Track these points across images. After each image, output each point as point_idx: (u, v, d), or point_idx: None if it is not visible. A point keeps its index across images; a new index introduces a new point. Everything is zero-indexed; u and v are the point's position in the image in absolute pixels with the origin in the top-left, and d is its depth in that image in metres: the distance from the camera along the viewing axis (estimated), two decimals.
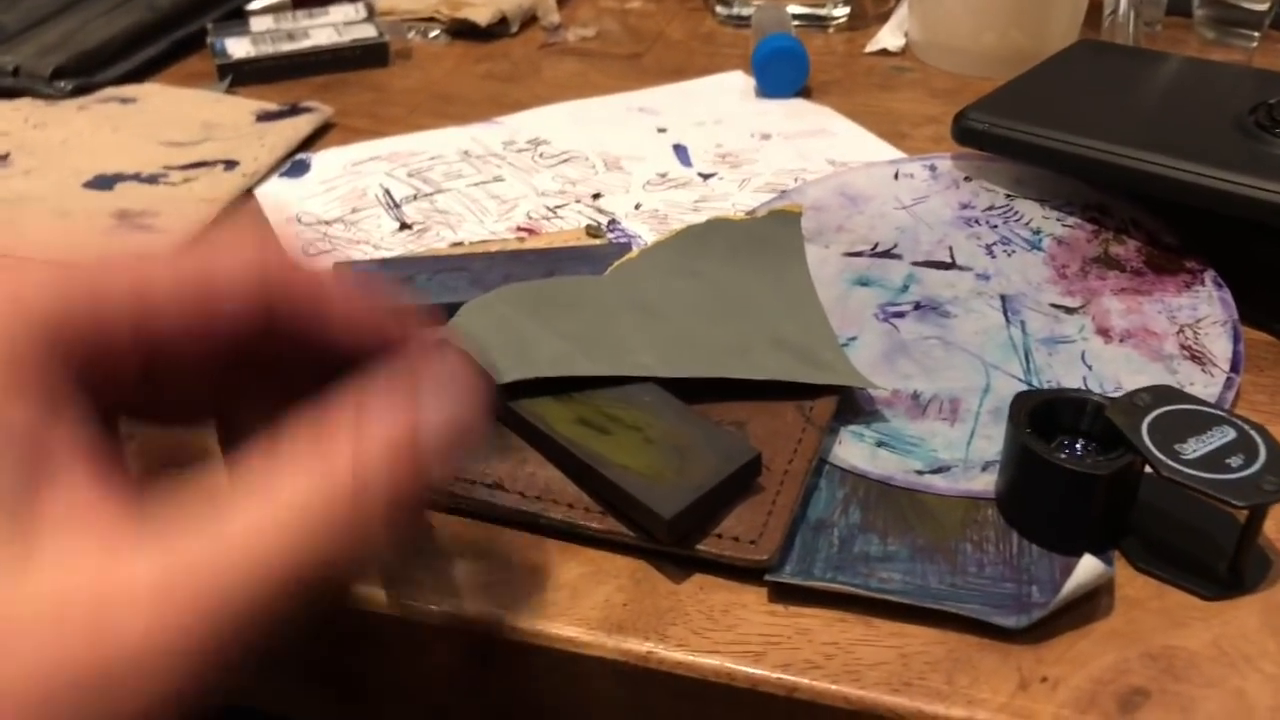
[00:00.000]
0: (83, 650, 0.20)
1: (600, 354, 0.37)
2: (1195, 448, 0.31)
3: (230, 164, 0.51)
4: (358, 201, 0.50)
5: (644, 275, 0.41)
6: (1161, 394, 0.33)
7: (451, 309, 0.39)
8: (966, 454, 0.35)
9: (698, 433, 0.34)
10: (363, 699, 0.34)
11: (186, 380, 0.26)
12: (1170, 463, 0.30)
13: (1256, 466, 0.30)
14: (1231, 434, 0.31)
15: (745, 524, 0.32)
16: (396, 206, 0.50)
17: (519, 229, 0.48)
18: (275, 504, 0.22)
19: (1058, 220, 0.44)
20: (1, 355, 0.22)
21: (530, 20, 0.70)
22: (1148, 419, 0.32)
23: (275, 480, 0.22)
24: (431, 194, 0.51)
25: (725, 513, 0.33)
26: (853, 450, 0.36)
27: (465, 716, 0.33)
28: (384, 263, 0.43)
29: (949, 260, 0.43)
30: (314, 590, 0.22)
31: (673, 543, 0.32)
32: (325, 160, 0.54)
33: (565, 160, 0.53)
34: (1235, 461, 0.30)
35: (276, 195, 0.51)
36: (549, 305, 0.39)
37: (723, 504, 0.33)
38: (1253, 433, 0.31)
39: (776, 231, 0.43)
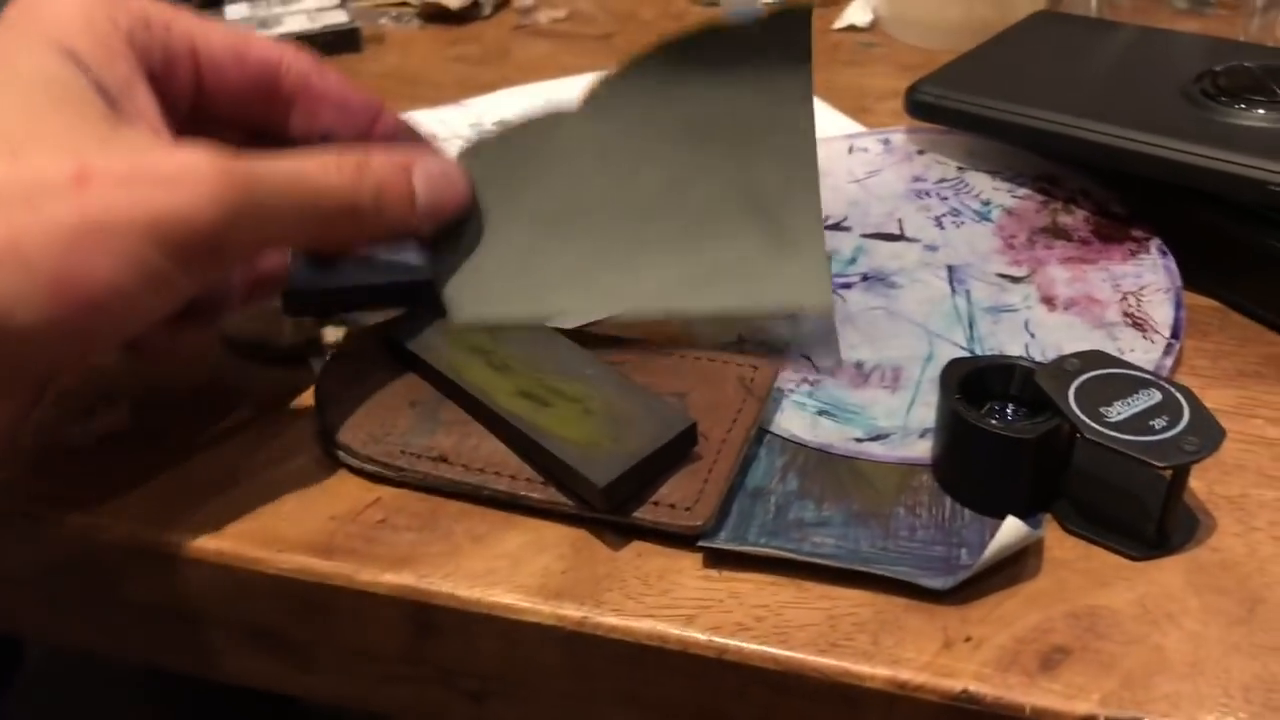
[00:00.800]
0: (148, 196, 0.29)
1: (549, 295, 0.38)
2: (1120, 411, 0.31)
3: None
4: None
5: (622, 111, 0.38)
6: (1090, 359, 0.33)
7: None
8: (906, 421, 0.36)
9: (636, 404, 0.35)
10: (312, 669, 0.35)
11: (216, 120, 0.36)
12: (1094, 425, 0.31)
13: (1179, 428, 0.31)
14: (1157, 397, 0.32)
15: (681, 491, 0.33)
16: None
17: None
18: (292, 160, 0.32)
19: (1008, 192, 0.45)
20: (103, 32, 0.32)
21: (503, 3, 0.70)
22: (1075, 383, 0.32)
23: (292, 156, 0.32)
24: None
25: (662, 481, 0.33)
26: (794, 419, 0.36)
27: (409, 685, 0.34)
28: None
29: (898, 232, 0.43)
30: (300, 232, 0.33)
31: (609, 510, 0.33)
32: None
33: None
34: (1159, 423, 0.31)
35: None
36: (517, 176, 0.38)
37: (659, 472, 0.33)
38: (1178, 395, 0.32)
39: (779, 49, 0.38)
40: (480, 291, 0.38)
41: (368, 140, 0.38)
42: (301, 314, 0.39)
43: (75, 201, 0.28)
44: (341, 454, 0.35)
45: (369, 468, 0.35)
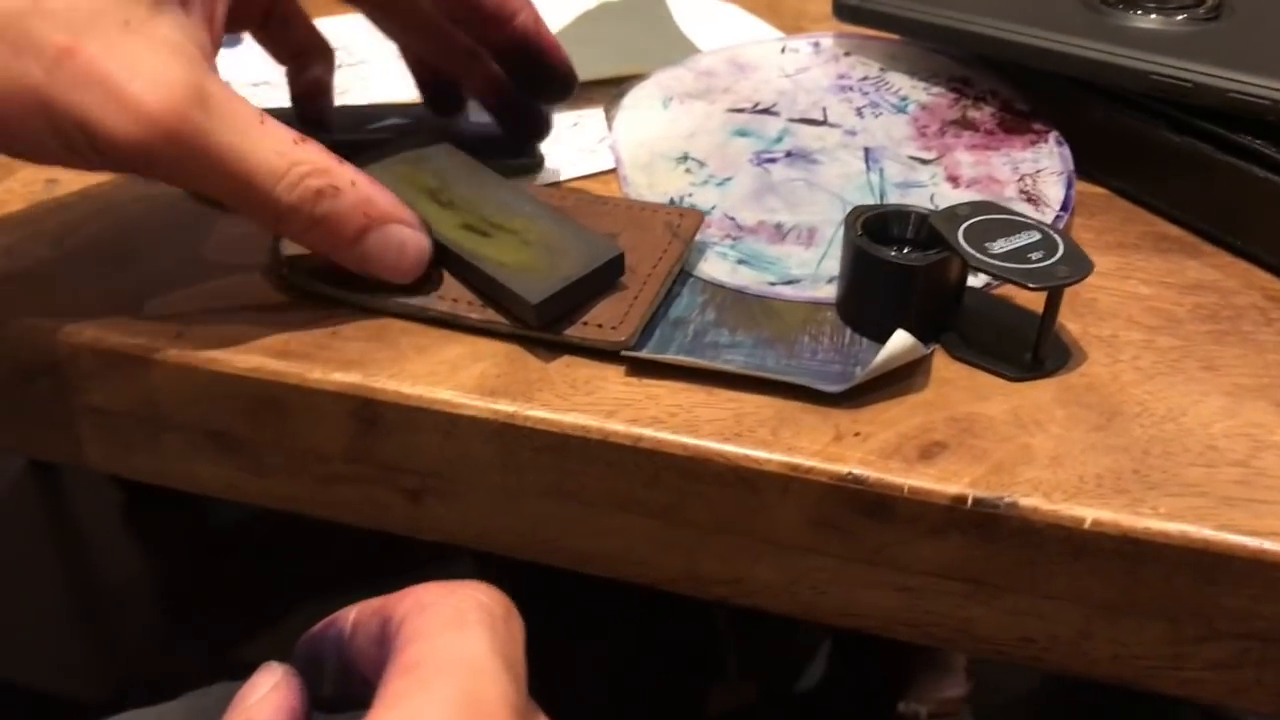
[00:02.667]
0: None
1: None
2: (1002, 245, 0.35)
3: None
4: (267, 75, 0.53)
5: None
6: (980, 206, 0.37)
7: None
8: (816, 270, 0.40)
9: (570, 236, 0.38)
10: (262, 471, 0.38)
11: None
12: (977, 255, 0.35)
13: (1053, 260, 0.35)
14: (1037, 236, 0.36)
15: (608, 313, 0.36)
16: None
17: None
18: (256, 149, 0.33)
19: (924, 90, 0.49)
20: None
21: None
22: (964, 224, 0.36)
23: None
24: (356, 64, 0.54)
25: (592, 305, 0.37)
26: (716, 266, 0.40)
27: (352, 484, 0.37)
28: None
29: (821, 119, 0.47)
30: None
31: (541, 327, 0.36)
32: None
33: None
34: (1036, 256, 0.35)
35: None
36: None
37: (588, 296, 0.37)
38: (1055, 235, 0.36)
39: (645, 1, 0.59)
40: None
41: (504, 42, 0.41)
42: None
43: (45, 71, 0.30)
44: (293, 276, 0.38)
45: (319, 288, 0.38)
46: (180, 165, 0.32)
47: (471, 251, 0.37)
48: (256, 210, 0.34)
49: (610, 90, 0.50)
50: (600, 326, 0.36)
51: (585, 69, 0.50)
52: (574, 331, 0.36)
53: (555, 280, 0.36)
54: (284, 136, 0.34)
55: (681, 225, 0.40)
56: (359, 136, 0.44)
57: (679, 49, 0.54)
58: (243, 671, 0.28)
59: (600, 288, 0.37)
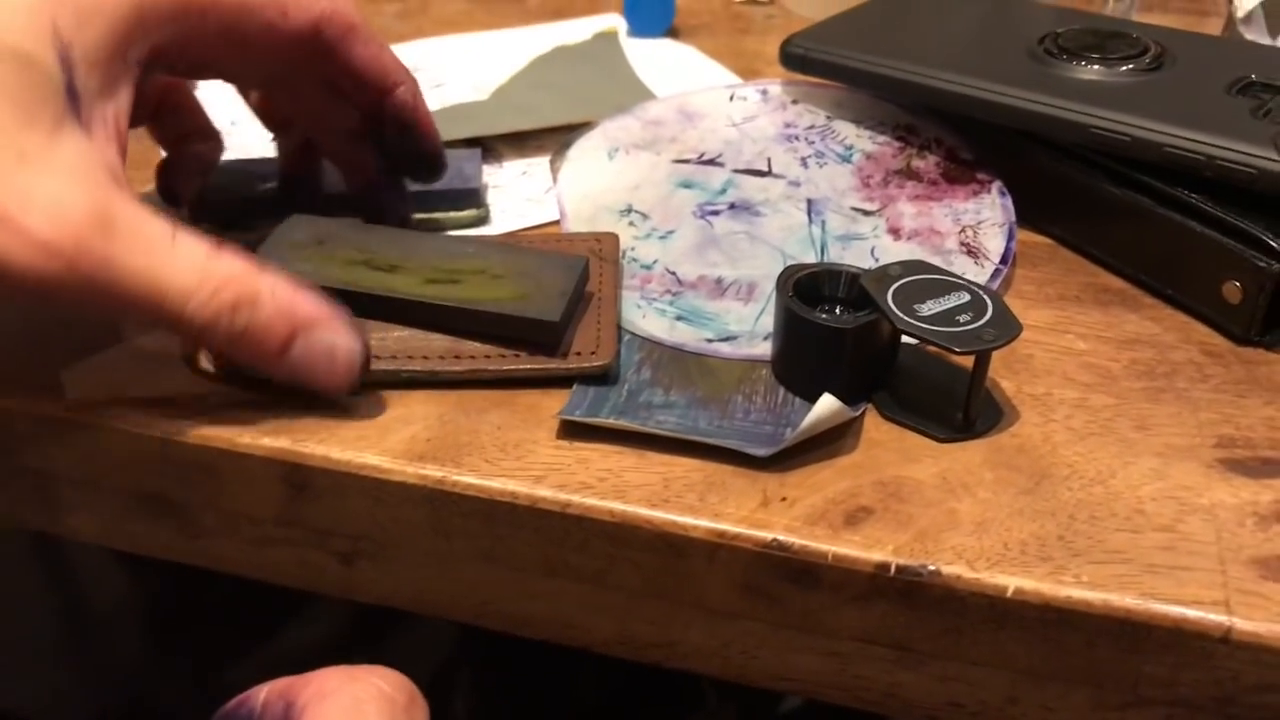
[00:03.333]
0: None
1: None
2: (932, 307, 0.35)
3: None
4: (237, 114, 0.53)
5: (512, 90, 0.56)
6: (911, 266, 0.37)
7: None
8: (754, 327, 0.40)
9: (532, 259, 0.39)
10: (198, 534, 0.38)
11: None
12: (905, 318, 0.35)
13: (981, 322, 0.35)
14: (966, 297, 0.36)
15: (582, 341, 0.38)
16: None
17: None
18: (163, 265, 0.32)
19: (870, 138, 0.49)
20: (116, 27, 0.33)
21: None
22: (894, 285, 0.36)
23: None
24: None
25: (574, 329, 0.38)
26: (655, 323, 0.40)
27: (285, 547, 0.37)
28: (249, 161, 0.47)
29: (766, 169, 0.47)
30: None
31: (559, 346, 0.37)
32: None
33: (439, 86, 0.57)
34: (964, 318, 0.35)
35: None
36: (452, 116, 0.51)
37: (576, 309, 0.38)
38: (985, 296, 0.36)
39: (601, 44, 0.61)
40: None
41: (380, 111, 0.40)
42: (209, 220, 0.43)
43: None
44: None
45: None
46: (86, 294, 0.31)
47: (460, 298, 0.38)
48: (173, 328, 0.33)
49: (562, 137, 0.51)
50: (580, 354, 0.37)
51: (537, 115, 0.51)
52: (569, 362, 0.37)
53: (555, 297, 0.37)
54: (197, 250, 0.32)
55: (604, 248, 0.41)
56: (248, 193, 0.45)
57: (633, 94, 0.54)
58: (225, 696, 0.28)
59: (580, 298, 0.38)
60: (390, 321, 0.38)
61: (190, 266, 0.32)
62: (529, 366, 0.37)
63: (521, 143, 0.51)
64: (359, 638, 1.45)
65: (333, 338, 0.34)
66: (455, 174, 0.46)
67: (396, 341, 0.38)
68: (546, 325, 0.37)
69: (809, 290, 0.37)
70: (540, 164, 0.49)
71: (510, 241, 0.43)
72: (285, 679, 0.27)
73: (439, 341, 0.38)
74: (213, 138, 0.44)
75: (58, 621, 1.56)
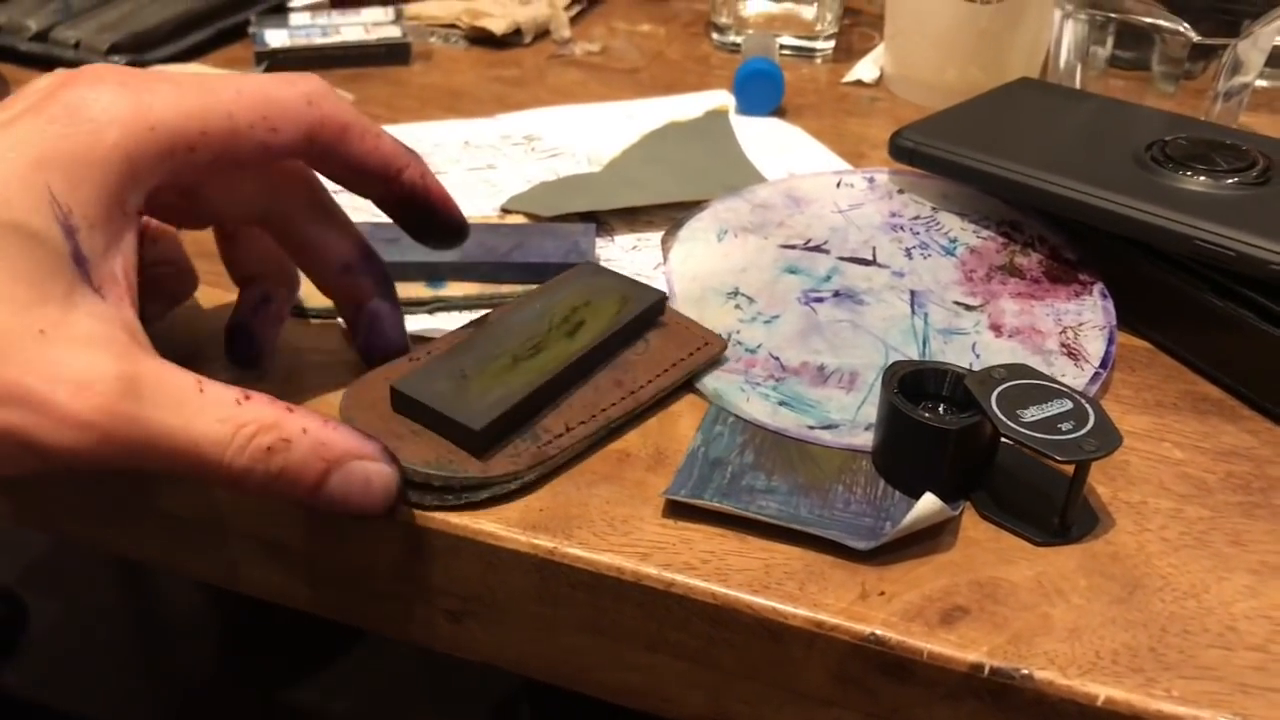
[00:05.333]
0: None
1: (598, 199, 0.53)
2: (1034, 414, 0.36)
3: None
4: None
5: (624, 164, 0.58)
6: (1015, 370, 0.38)
7: (427, 267, 0.46)
8: (855, 416, 0.41)
9: (585, 278, 0.44)
10: (316, 584, 0.40)
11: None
12: (1009, 423, 0.36)
13: (1083, 431, 0.36)
14: (1068, 405, 0.37)
15: (692, 335, 0.44)
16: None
17: (502, 209, 0.54)
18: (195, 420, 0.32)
19: (974, 232, 0.50)
20: (110, 181, 0.32)
21: (543, 33, 0.76)
22: (998, 389, 0.37)
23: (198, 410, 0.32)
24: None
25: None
26: (758, 407, 0.41)
27: (397, 602, 0.39)
28: (375, 226, 0.49)
29: (871, 258, 0.48)
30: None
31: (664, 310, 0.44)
32: None
33: (555, 155, 0.59)
34: (1066, 426, 0.36)
35: None
36: (566, 189, 0.55)
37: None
38: (1086, 405, 0.37)
39: (712, 122, 0.64)
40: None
41: (391, 197, 0.39)
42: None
43: None
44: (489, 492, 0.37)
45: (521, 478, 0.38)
46: (121, 459, 0.31)
47: (602, 330, 0.41)
48: (210, 481, 0.33)
49: (672, 213, 0.52)
50: (700, 349, 0.43)
51: (650, 192, 0.53)
52: (698, 354, 0.43)
53: (645, 284, 0.44)
54: (226, 400, 0.32)
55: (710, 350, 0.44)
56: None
57: (742, 175, 0.56)
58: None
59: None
60: (560, 396, 0.40)
61: (221, 416, 0.32)
62: (678, 369, 0.42)
63: (633, 217, 0.53)
64: (423, 668, 1.47)
65: (367, 466, 0.34)
66: (571, 248, 0.48)
67: (580, 410, 0.40)
68: (662, 297, 0.43)
69: (913, 385, 0.38)
70: (650, 239, 0.51)
71: (542, 280, 0.46)
72: None
73: (604, 385, 0.41)
74: (187, 272, 0.43)
75: (132, 631, 1.61)
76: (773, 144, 0.61)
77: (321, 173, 0.39)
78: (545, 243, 0.48)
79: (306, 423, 0.33)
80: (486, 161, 0.59)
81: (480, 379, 0.39)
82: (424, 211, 0.40)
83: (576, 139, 0.61)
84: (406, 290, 0.45)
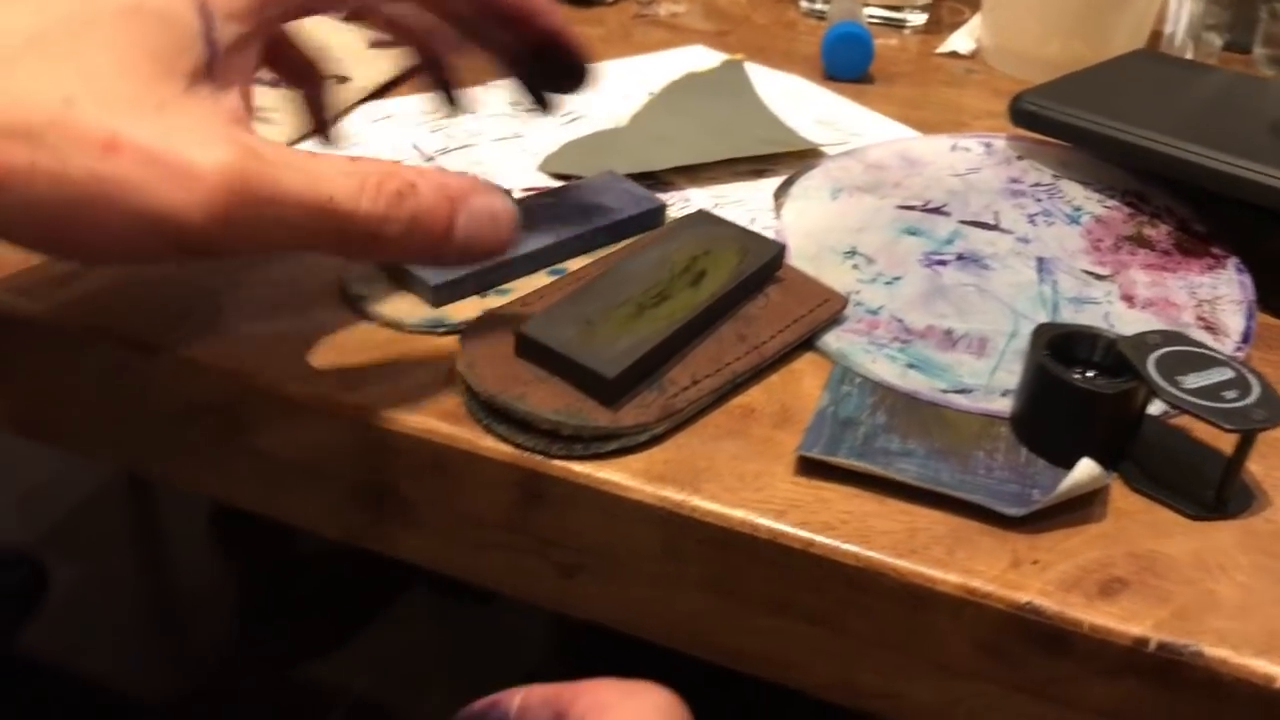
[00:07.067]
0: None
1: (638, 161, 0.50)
2: (1195, 381, 0.34)
3: (343, 79, 0.56)
4: (392, 153, 0.52)
5: (649, 119, 0.56)
6: (1170, 336, 0.36)
7: (530, 259, 0.43)
8: (989, 381, 0.39)
9: (701, 227, 0.42)
10: (417, 530, 0.38)
11: None
12: (1171, 389, 0.34)
13: (1249, 401, 0.34)
14: (1230, 374, 0.35)
15: (814, 292, 0.42)
16: (430, 159, 0.52)
17: (543, 171, 0.51)
18: (324, 176, 0.31)
19: (1098, 201, 0.48)
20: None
21: None
22: (1154, 354, 0.35)
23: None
24: (463, 147, 0.53)
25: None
26: (886, 368, 0.39)
27: (506, 552, 0.37)
28: None
29: (993, 223, 0.46)
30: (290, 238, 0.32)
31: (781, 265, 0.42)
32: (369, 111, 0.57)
33: (575, 120, 0.56)
34: (1230, 395, 0.34)
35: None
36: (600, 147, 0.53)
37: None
38: (1249, 375, 0.35)
39: (730, 73, 0.62)
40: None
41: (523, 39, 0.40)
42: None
43: (94, 166, 0.29)
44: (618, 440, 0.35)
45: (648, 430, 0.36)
46: (259, 221, 0.30)
47: (725, 281, 0.39)
48: (350, 236, 0.32)
49: (733, 167, 0.51)
50: (823, 304, 0.41)
51: (683, 147, 0.53)
52: (821, 309, 0.41)
53: (760, 234, 0.43)
54: (340, 159, 0.32)
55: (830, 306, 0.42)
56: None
57: (770, 127, 0.55)
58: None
59: None
60: (685, 347, 0.38)
61: (344, 170, 0.31)
62: (800, 325, 0.40)
63: (693, 173, 0.51)
64: (444, 646, 1.45)
65: (488, 200, 0.34)
66: (627, 199, 0.45)
67: (705, 363, 0.38)
68: (782, 249, 0.42)
69: (1060, 350, 0.36)
70: (726, 194, 0.49)
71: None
72: (544, 686, 0.27)
73: (728, 338, 0.39)
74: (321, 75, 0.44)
75: (151, 602, 1.59)
76: (786, 95, 0.59)
77: (456, 10, 0.39)
78: (605, 200, 0.45)
79: (420, 169, 0.33)
80: (513, 131, 0.55)
81: (606, 326, 0.37)
82: (559, 54, 0.41)
83: (592, 102, 0.58)
84: (531, 284, 0.42)
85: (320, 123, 0.45)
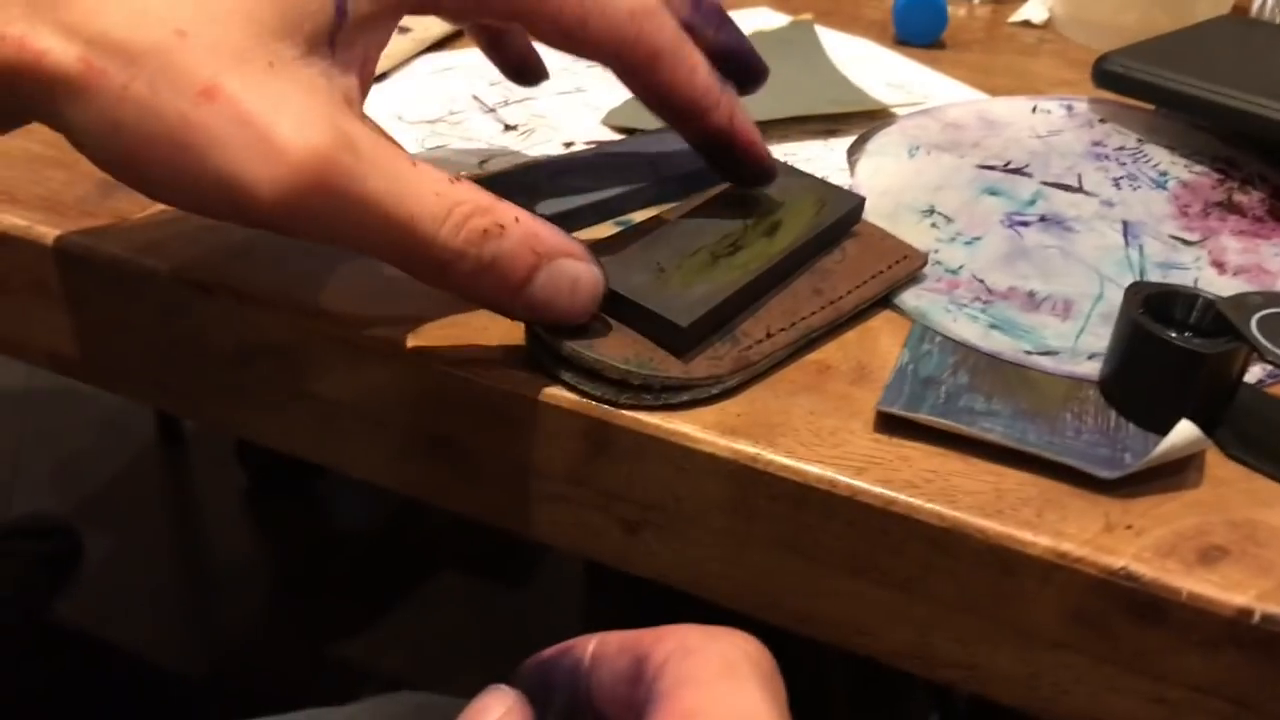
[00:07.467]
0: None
1: None
2: None
3: (404, 29, 0.55)
4: (451, 104, 0.52)
5: None
6: (1273, 297, 0.34)
7: (600, 208, 0.41)
8: (1075, 344, 0.37)
9: (802, 186, 0.41)
10: (477, 482, 0.37)
11: None
12: (1276, 350, 0.32)
13: None
14: None
15: (891, 248, 0.40)
16: (491, 110, 0.51)
17: (606, 124, 0.50)
18: (412, 193, 0.30)
19: (1185, 167, 0.46)
20: None
21: None
22: (1257, 315, 0.33)
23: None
24: (524, 99, 0.52)
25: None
26: (967, 328, 0.38)
27: (568, 506, 0.36)
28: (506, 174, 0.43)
29: (1076, 185, 0.45)
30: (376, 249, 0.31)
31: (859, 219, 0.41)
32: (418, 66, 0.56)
33: None
34: None
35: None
36: None
37: None
38: None
39: (798, 32, 0.61)
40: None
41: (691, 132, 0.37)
42: None
43: (185, 109, 0.28)
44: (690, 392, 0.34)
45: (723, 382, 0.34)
46: (330, 216, 0.29)
47: (801, 234, 0.38)
48: (419, 260, 0.30)
49: (803, 124, 0.49)
50: (902, 260, 0.39)
51: (757, 107, 0.49)
52: (901, 267, 0.39)
53: (839, 188, 0.41)
54: (439, 177, 0.30)
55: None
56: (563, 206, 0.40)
57: (839, 88, 0.54)
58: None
59: None
60: (759, 299, 0.36)
61: (437, 190, 0.30)
62: (878, 281, 0.38)
63: (762, 130, 0.49)
64: (475, 626, 1.45)
65: (575, 266, 0.32)
66: (689, 156, 0.43)
67: (779, 316, 0.36)
68: (860, 201, 0.40)
69: (1155, 311, 0.35)
70: (797, 152, 0.48)
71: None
72: (620, 633, 0.26)
73: (803, 292, 0.37)
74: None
75: (184, 574, 1.60)
76: (855, 58, 0.58)
77: (628, 88, 0.36)
78: (672, 153, 0.44)
79: (518, 212, 0.31)
80: (575, 85, 0.54)
81: (679, 274, 0.35)
82: (727, 154, 0.38)
83: None
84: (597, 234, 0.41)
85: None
